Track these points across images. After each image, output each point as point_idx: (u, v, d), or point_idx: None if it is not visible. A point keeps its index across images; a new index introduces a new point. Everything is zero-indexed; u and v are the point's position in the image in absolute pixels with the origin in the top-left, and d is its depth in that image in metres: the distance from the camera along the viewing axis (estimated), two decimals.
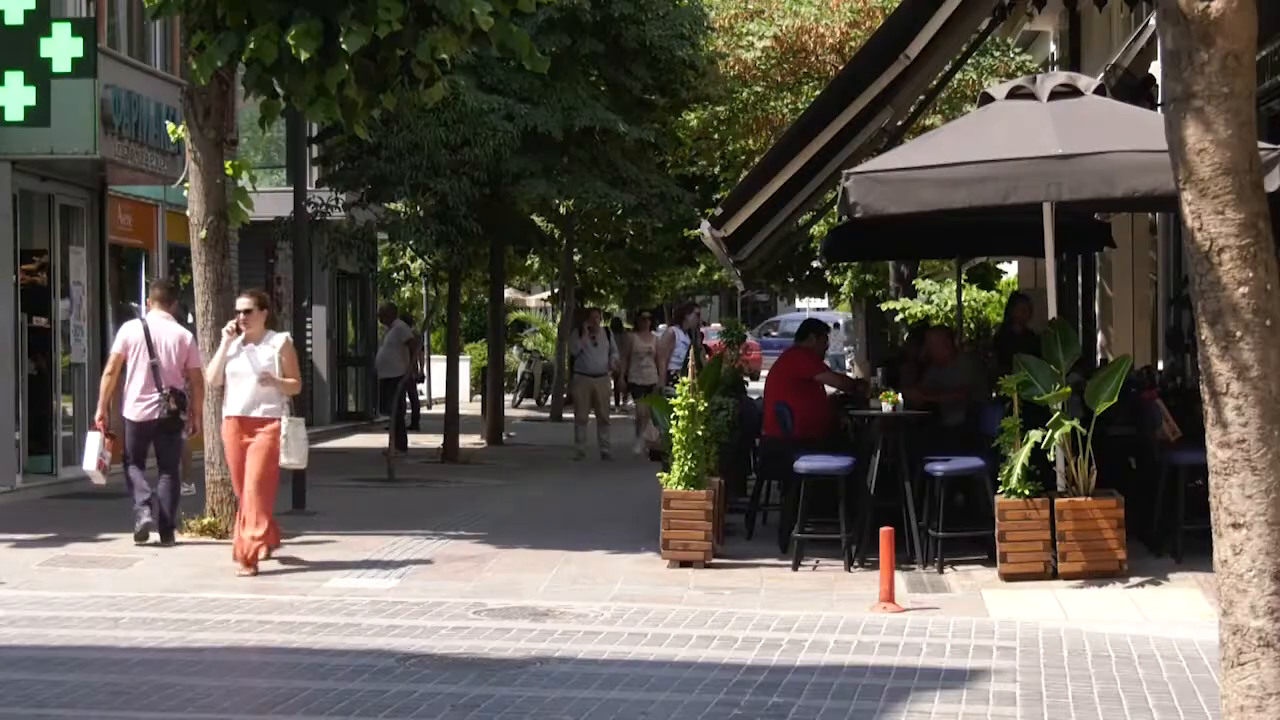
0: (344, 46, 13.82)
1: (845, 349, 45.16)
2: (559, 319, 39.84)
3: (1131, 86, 17.66)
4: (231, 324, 13.40)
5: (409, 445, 25.52)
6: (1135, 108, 14.38)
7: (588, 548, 14.49)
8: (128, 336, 14.84)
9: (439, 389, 33.79)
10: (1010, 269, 32.57)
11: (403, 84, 15.04)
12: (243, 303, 13.49)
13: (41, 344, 19.36)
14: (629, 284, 47.15)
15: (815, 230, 24.29)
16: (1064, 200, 12.68)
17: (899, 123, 17.63)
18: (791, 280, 41.87)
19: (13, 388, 18.39)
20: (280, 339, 13.41)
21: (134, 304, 21.18)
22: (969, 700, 8.87)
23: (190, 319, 16.99)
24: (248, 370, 13.23)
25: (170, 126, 16.30)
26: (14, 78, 16.08)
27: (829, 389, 16.11)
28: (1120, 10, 20.55)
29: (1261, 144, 7.73)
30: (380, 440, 23.97)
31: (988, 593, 12.21)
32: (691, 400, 13.46)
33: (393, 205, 23.74)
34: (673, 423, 13.58)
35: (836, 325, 45.61)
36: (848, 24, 26.07)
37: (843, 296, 38.17)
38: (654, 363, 25.86)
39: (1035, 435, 12.38)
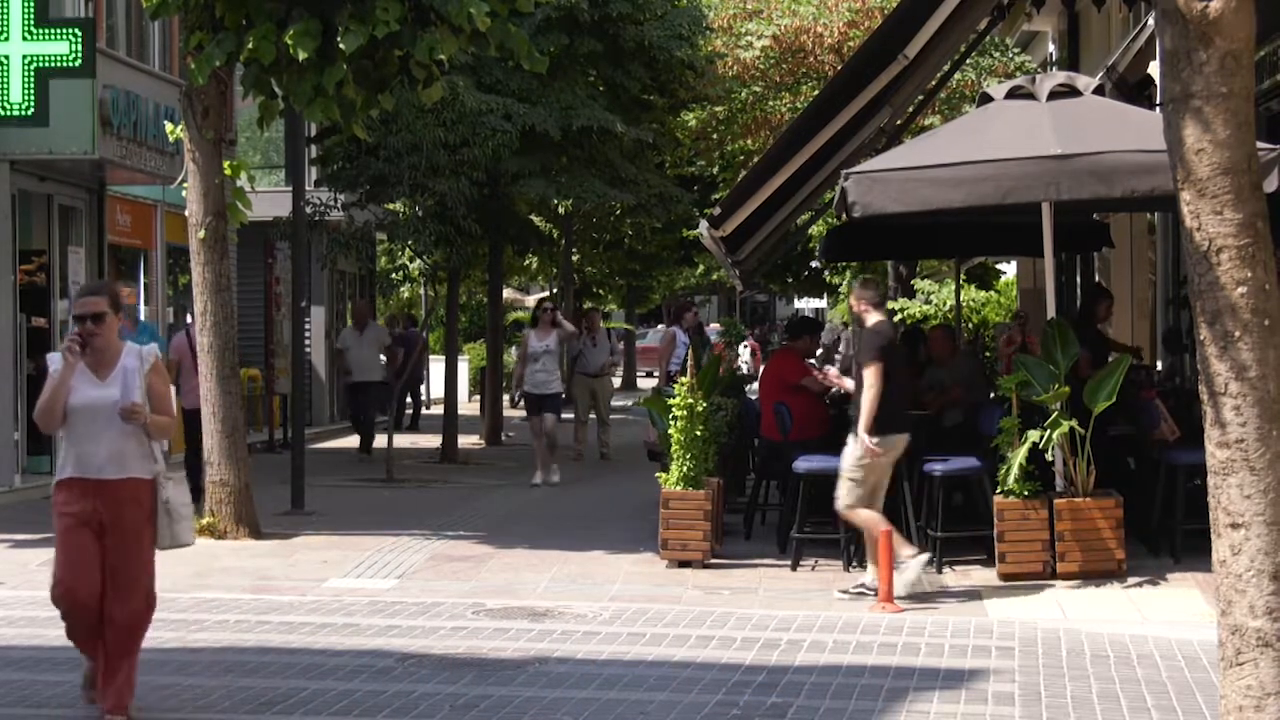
0: (342, 47, 13.82)
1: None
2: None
3: (1130, 87, 17.66)
4: (71, 338, 8.33)
5: (372, 448, 24.88)
6: (1134, 107, 14.39)
7: (586, 548, 14.48)
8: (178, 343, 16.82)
9: (438, 389, 33.78)
10: (1009, 269, 32.57)
11: (401, 84, 15.05)
12: (90, 303, 8.39)
13: (40, 344, 19.37)
14: (627, 284, 47.21)
15: (814, 230, 24.30)
16: (1063, 200, 12.68)
17: (898, 122, 17.63)
18: (790, 280, 41.90)
19: (12, 388, 18.39)
20: (148, 354, 8.50)
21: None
22: (967, 700, 8.87)
23: (189, 319, 17.05)
24: (101, 404, 8.29)
25: (169, 126, 16.31)
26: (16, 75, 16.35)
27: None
28: (1119, 10, 20.55)
29: (1260, 144, 7.73)
30: (380, 440, 23.95)
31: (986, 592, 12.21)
32: (690, 400, 13.46)
33: (391, 205, 23.75)
34: (671, 423, 13.59)
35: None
36: (846, 24, 26.05)
37: (841, 296, 38.15)
38: (558, 368, 21.39)
39: (1033, 435, 12.38)
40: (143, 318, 17.34)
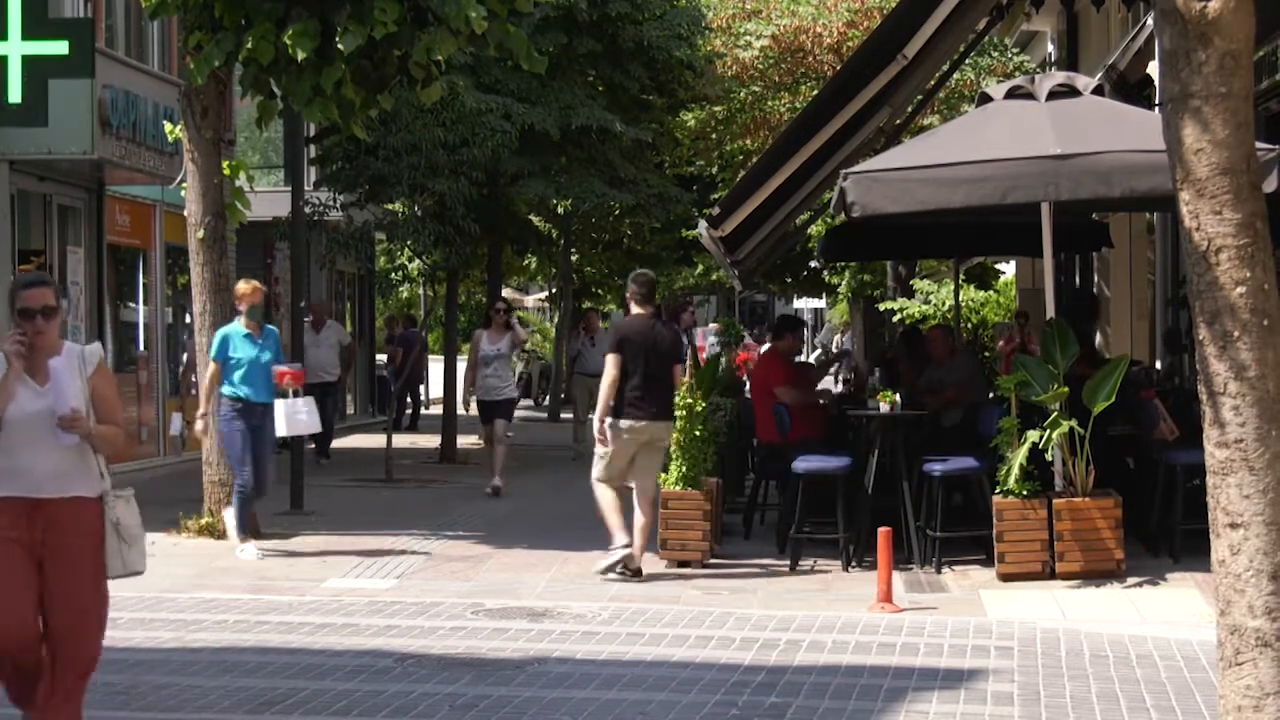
0: (340, 47, 13.82)
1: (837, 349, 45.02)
2: (557, 319, 39.86)
3: (1129, 86, 17.66)
4: (15, 338, 7.10)
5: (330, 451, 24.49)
6: (1133, 107, 14.38)
7: (585, 548, 14.46)
8: None
9: (437, 389, 33.78)
10: (1008, 269, 32.56)
11: (400, 84, 15.06)
12: (40, 295, 7.17)
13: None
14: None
15: (813, 230, 24.29)
16: (1062, 200, 12.68)
17: (897, 122, 17.62)
18: (789, 280, 41.86)
19: None
20: (91, 355, 7.32)
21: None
22: (966, 700, 8.87)
23: (187, 319, 16.98)
24: (40, 414, 7.08)
25: (168, 126, 16.31)
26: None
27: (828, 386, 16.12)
28: (1117, 10, 20.55)
29: (1259, 144, 7.72)
30: (379, 440, 23.95)
31: (985, 593, 12.21)
32: (689, 401, 13.45)
33: (391, 205, 23.73)
34: None
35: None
36: (845, 24, 26.04)
37: (840, 296, 38.14)
38: (511, 373, 20.25)
39: (1033, 435, 12.38)
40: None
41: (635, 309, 13.48)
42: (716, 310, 65.55)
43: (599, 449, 13.24)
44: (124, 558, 7.18)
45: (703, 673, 9.53)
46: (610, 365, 13.19)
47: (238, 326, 14.49)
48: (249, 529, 14.55)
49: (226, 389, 14.33)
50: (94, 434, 7.11)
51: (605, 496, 13.22)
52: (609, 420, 13.06)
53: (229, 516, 14.56)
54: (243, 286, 14.65)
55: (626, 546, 12.99)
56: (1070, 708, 8.71)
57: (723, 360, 18.21)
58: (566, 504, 18.75)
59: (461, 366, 32.31)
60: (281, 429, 14.54)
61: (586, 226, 36.72)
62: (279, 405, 14.47)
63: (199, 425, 14.66)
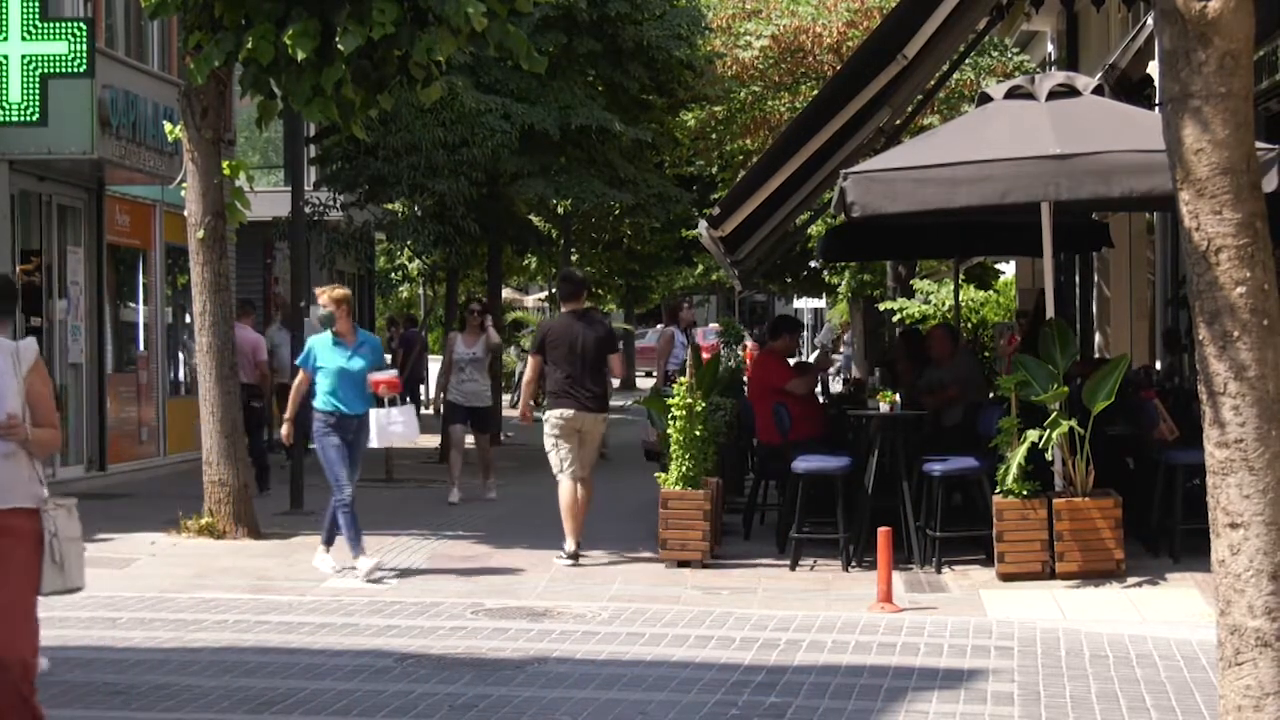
0: (340, 47, 13.82)
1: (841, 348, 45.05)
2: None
3: (1129, 86, 17.67)
4: None
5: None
6: (1133, 107, 14.38)
7: (585, 547, 14.47)
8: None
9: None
10: (1008, 269, 32.56)
11: (400, 84, 15.06)
12: None
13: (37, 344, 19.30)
14: (626, 284, 47.22)
15: (813, 230, 24.30)
16: (1062, 200, 12.68)
17: (897, 122, 17.62)
18: (789, 280, 41.87)
19: None
20: (26, 351, 6.76)
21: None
22: (966, 700, 8.87)
23: (187, 319, 17.00)
24: None
25: (168, 126, 16.31)
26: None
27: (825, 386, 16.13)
28: (1117, 10, 20.55)
29: (1259, 144, 7.73)
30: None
31: (985, 593, 12.21)
32: (689, 400, 13.46)
33: (390, 205, 23.75)
34: (670, 423, 13.60)
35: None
36: (845, 24, 26.05)
37: (840, 296, 38.13)
38: (487, 377, 19.13)
39: (1032, 435, 12.38)
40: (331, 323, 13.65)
41: (562, 307, 14.41)
42: (716, 310, 65.58)
43: (546, 443, 14.19)
44: (63, 572, 6.65)
45: (703, 673, 9.53)
46: (529, 366, 14.56)
47: (325, 333, 13.48)
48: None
49: (317, 401, 13.27)
50: (31, 439, 6.59)
51: (564, 495, 13.95)
52: (545, 414, 14.23)
53: (323, 560, 13.44)
54: (319, 290, 13.81)
55: (574, 555, 13.77)
56: (1070, 708, 8.71)
57: (724, 358, 18.22)
58: None
59: None
60: (374, 440, 13.50)
61: (586, 226, 36.73)
62: (372, 415, 13.39)
63: (284, 430, 13.90)
